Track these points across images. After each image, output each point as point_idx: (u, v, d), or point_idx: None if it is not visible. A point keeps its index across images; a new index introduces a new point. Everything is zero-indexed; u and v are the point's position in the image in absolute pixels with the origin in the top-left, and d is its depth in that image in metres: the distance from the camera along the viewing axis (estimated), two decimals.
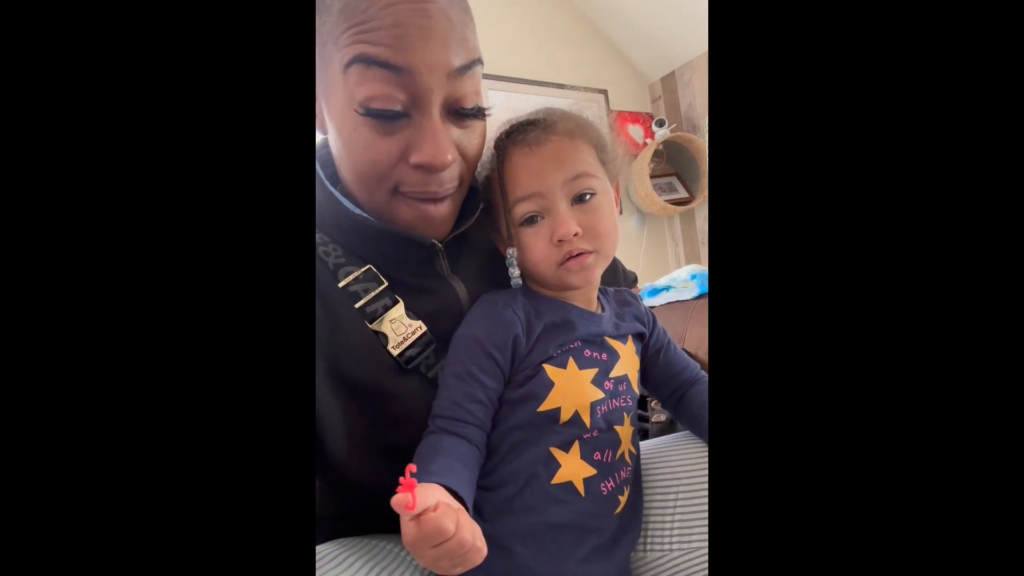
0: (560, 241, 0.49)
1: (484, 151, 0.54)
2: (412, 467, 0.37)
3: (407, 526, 0.37)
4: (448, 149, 0.48)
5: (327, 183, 0.54)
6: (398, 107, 0.46)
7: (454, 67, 0.47)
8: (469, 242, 0.58)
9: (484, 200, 0.55)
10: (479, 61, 0.50)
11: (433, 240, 0.53)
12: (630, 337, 0.57)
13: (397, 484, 0.51)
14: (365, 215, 0.53)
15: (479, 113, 0.51)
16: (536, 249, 0.51)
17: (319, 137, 0.58)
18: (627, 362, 0.54)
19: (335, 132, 0.50)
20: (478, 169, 0.55)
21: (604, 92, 2.41)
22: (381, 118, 0.46)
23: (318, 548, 0.46)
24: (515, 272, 0.52)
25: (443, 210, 0.52)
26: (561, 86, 2.26)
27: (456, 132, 0.50)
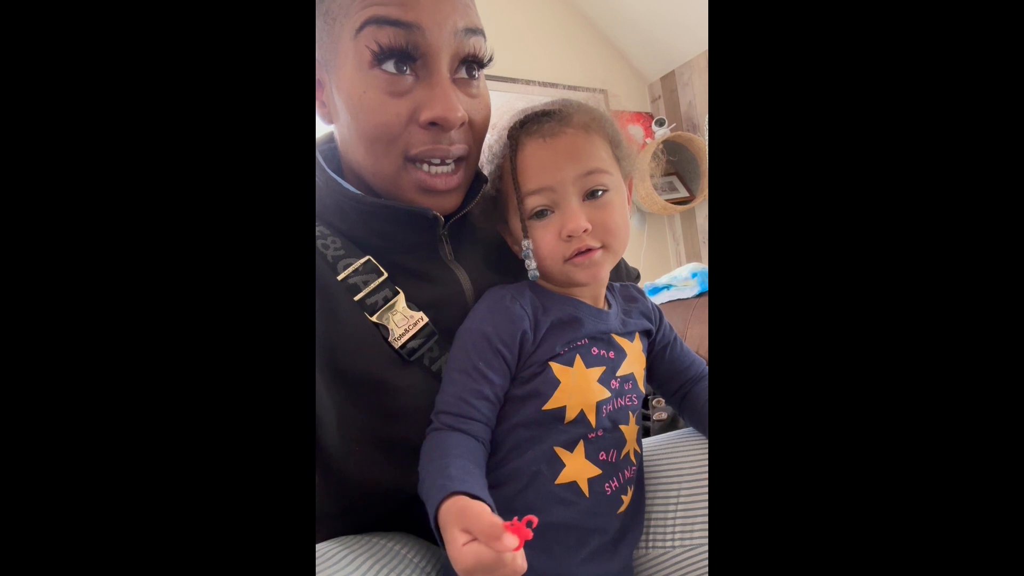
0: (569, 237, 0.49)
1: (496, 140, 0.54)
2: (533, 519, 0.37)
3: (463, 552, 0.37)
4: (458, 106, 0.49)
5: (329, 171, 0.54)
6: (406, 61, 0.48)
7: (461, 27, 0.49)
8: (473, 230, 0.58)
9: (494, 189, 0.55)
10: (482, 31, 0.52)
11: (436, 214, 0.53)
12: (637, 334, 0.56)
13: (397, 480, 0.51)
14: (367, 196, 0.53)
15: (482, 66, 0.53)
16: (544, 243, 0.50)
17: (326, 129, 0.58)
18: (634, 360, 0.54)
19: (344, 105, 0.51)
20: (488, 156, 0.55)
21: (604, 92, 2.41)
22: (390, 72, 0.48)
23: (318, 547, 0.46)
24: (532, 264, 0.51)
25: (453, 181, 0.52)
26: (560, 86, 2.26)
27: (463, 98, 0.51)
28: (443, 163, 0.51)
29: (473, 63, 0.51)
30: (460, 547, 0.37)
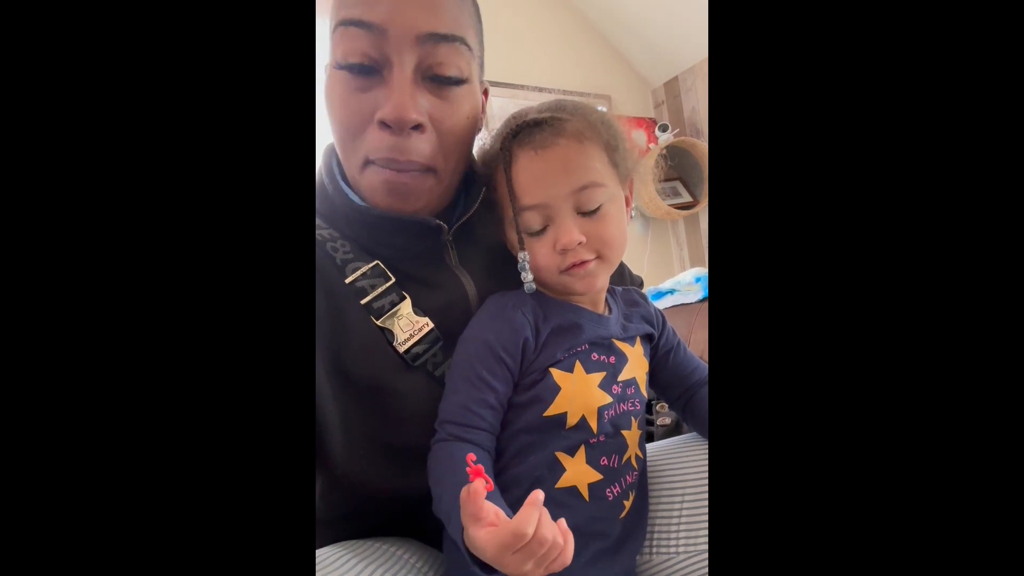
0: (563, 250, 0.49)
1: (491, 148, 0.53)
2: (472, 455, 0.38)
3: (484, 539, 0.37)
4: (410, 107, 0.48)
5: (339, 178, 0.55)
6: (368, 61, 0.48)
7: (424, 31, 0.48)
8: (476, 235, 0.58)
9: (489, 198, 0.55)
10: (460, 39, 0.50)
11: (439, 222, 0.52)
12: (638, 339, 0.56)
13: (400, 484, 0.51)
14: (370, 206, 0.53)
15: (456, 81, 0.51)
16: (539, 255, 0.50)
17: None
18: (635, 365, 0.54)
19: (326, 104, 0.52)
20: (482, 164, 0.55)
21: (607, 97, 2.42)
22: (353, 71, 0.48)
23: (321, 552, 0.46)
24: (528, 276, 0.51)
25: (418, 183, 0.51)
26: (563, 92, 2.26)
27: (431, 100, 0.50)
28: (400, 174, 0.50)
29: (441, 80, 0.50)
30: (479, 537, 0.37)
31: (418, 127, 0.49)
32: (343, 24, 0.48)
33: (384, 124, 0.48)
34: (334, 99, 0.50)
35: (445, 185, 0.54)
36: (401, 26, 0.47)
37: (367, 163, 0.50)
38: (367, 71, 0.48)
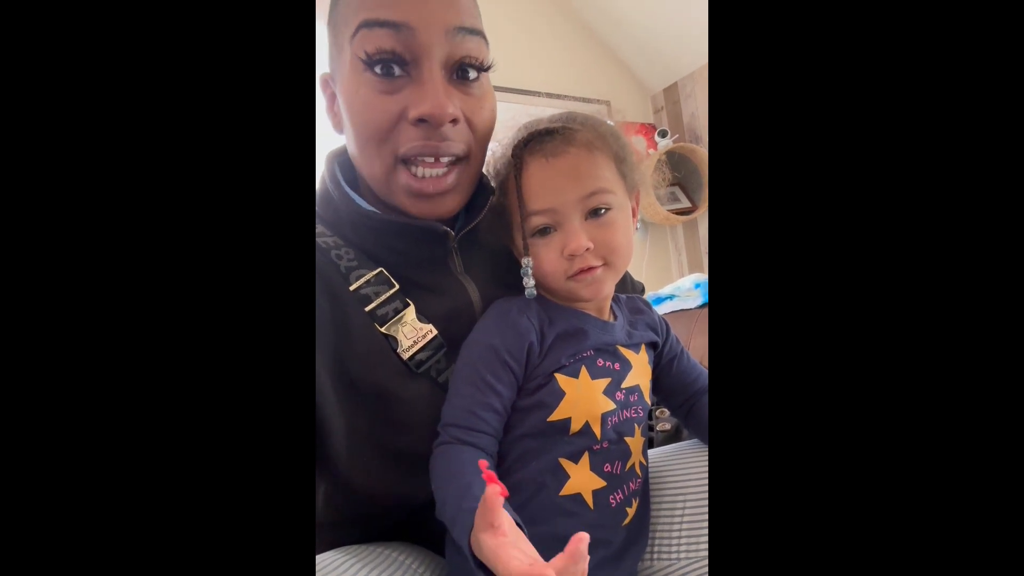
0: (571, 256, 0.49)
1: (501, 156, 0.54)
2: (484, 462, 0.39)
3: (494, 549, 0.36)
4: (448, 103, 0.49)
5: (344, 184, 0.55)
6: (395, 60, 0.48)
7: (453, 25, 0.49)
8: (482, 242, 0.58)
9: (499, 204, 0.55)
10: (481, 33, 0.52)
11: (446, 228, 0.53)
12: (643, 346, 0.56)
13: (404, 490, 0.51)
14: (377, 211, 0.53)
15: (480, 74, 0.52)
16: (547, 261, 0.50)
17: (340, 139, 0.58)
18: (639, 372, 0.54)
19: (344, 108, 0.52)
20: (493, 172, 0.55)
21: (607, 103, 2.42)
22: (381, 66, 0.48)
23: (322, 556, 0.46)
24: (530, 282, 0.51)
25: (444, 183, 0.51)
26: (564, 97, 2.27)
27: (460, 97, 0.51)
28: (436, 162, 0.50)
29: (469, 66, 0.51)
30: (488, 545, 0.36)
31: (454, 121, 0.50)
32: (367, 25, 0.48)
33: (420, 120, 0.49)
34: (356, 101, 0.50)
35: (471, 178, 0.54)
36: (429, 21, 0.48)
37: (398, 162, 0.50)
38: (393, 73, 0.49)
